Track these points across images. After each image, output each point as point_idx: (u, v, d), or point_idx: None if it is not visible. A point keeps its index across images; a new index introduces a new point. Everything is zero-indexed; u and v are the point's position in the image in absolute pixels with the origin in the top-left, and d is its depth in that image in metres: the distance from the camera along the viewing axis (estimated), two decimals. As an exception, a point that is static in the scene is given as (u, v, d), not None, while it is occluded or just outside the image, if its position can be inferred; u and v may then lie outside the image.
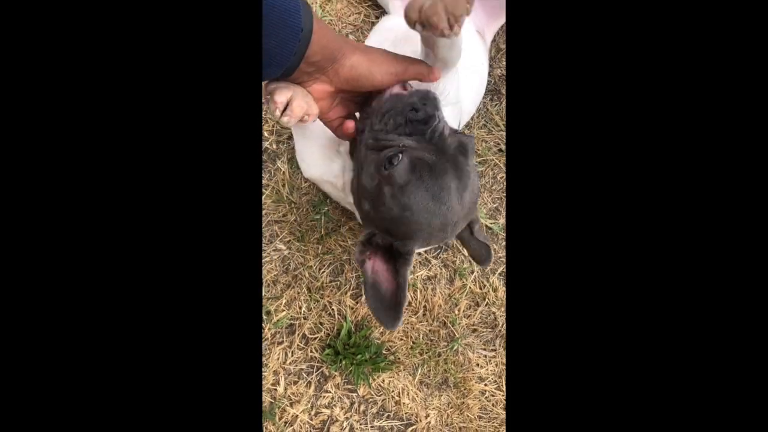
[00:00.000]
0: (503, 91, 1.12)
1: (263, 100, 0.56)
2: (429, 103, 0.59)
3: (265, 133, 1.02)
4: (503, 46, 1.14)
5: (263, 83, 0.58)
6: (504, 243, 1.05)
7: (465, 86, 0.78)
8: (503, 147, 1.04)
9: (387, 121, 0.59)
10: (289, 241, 0.97)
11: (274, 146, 1.03)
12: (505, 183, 1.07)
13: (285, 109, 0.57)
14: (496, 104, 1.07)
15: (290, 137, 1.05)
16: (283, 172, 1.02)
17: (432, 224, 0.58)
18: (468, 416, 0.94)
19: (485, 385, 0.96)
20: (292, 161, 1.02)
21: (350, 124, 0.64)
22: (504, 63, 1.14)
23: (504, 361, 0.99)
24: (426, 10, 0.50)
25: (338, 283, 0.97)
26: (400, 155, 0.56)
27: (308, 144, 0.78)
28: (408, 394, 0.93)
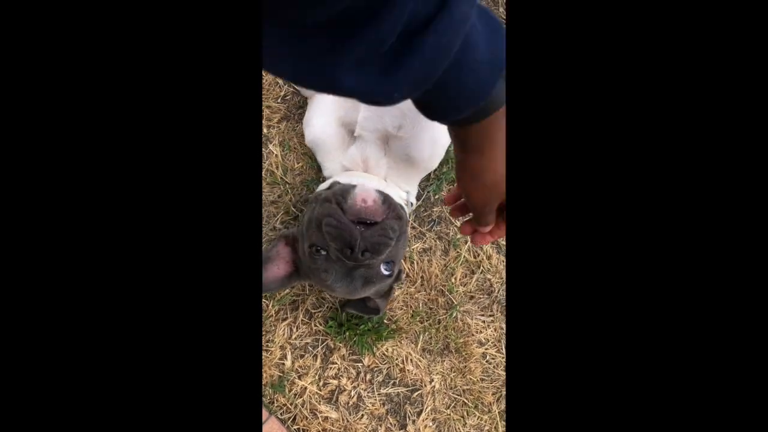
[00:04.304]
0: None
1: None
2: (371, 249, 0.71)
3: (256, 117, 1.04)
4: None
5: None
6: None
7: None
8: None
9: (339, 223, 0.71)
10: (286, 220, 0.99)
11: (265, 130, 1.05)
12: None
13: None
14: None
15: (279, 122, 1.06)
16: (276, 155, 1.03)
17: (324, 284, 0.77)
18: (471, 379, 0.97)
19: (485, 348, 0.99)
20: (284, 144, 1.04)
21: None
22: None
23: (502, 325, 1.02)
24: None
25: (337, 259, 0.99)
26: (323, 254, 0.74)
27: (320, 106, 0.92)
28: (412, 361, 0.96)
